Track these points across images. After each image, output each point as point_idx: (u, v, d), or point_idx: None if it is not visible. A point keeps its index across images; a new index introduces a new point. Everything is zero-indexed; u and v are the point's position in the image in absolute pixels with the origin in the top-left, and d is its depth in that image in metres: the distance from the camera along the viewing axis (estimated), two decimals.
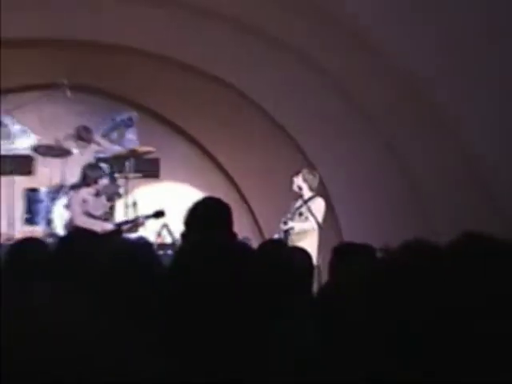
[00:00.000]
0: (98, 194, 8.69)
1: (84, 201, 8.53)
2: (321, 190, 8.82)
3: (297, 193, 8.35)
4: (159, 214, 8.66)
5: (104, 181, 8.78)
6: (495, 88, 7.41)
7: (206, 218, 3.66)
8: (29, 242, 3.64)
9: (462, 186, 8.07)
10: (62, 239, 3.53)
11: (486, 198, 7.81)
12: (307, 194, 8.35)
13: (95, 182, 8.61)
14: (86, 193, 8.59)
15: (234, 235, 3.68)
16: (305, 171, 8.46)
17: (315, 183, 8.45)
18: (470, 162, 7.92)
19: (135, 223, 8.66)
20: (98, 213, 8.62)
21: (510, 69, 7.18)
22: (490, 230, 6.25)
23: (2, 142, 10.26)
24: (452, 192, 8.26)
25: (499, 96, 7.42)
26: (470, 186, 7.97)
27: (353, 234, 9.01)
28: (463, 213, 7.97)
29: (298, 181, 8.38)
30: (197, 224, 3.66)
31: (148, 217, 8.73)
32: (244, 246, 2.43)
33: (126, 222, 8.71)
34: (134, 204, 9.09)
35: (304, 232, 8.08)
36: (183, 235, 3.79)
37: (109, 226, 8.32)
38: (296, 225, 8.14)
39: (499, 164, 7.65)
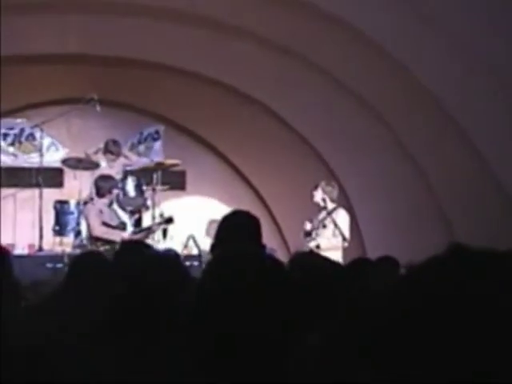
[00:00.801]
0: (110, 205, 8.77)
1: (101, 211, 8.60)
2: (343, 202, 8.85)
3: (319, 205, 8.35)
4: (169, 221, 8.74)
5: (116, 191, 8.86)
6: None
7: (236, 230, 3.69)
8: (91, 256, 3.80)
9: (478, 192, 8.21)
10: (117, 253, 3.65)
11: (501, 202, 7.94)
12: (329, 205, 8.33)
13: (109, 192, 8.70)
14: (102, 204, 8.68)
15: (263, 246, 3.71)
16: (323, 184, 8.45)
17: (335, 194, 8.44)
18: (484, 169, 8.04)
19: (149, 231, 8.70)
20: (114, 223, 8.69)
21: None
22: (505, 230, 6.32)
23: (32, 155, 10.52)
24: (470, 200, 8.39)
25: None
26: (485, 190, 8.11)
27: (375, 244, 9.01)
28: (479, 215, 8.14)
29: (319, 194, 8.38)
30: (227, 236, 3.69)
31: (159, 224, 8.81)
32: (273, 257, 2.52)
33: (141, 230, 8.75)
34: (161, 215, 9.07)
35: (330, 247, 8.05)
36: (213, 246, 3.82)
37: (125, 235, 8.34)
38: (321, 241, 8.15)
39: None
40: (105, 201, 8.72)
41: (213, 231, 4.24)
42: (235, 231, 3.68)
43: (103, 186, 8.71)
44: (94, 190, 8.91)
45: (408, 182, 9.12)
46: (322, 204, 8.33)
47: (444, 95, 7.98)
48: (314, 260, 3.92)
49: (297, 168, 10.25)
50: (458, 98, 7.91)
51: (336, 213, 8.32)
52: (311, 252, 5.96)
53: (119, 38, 9.37)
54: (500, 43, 7.31)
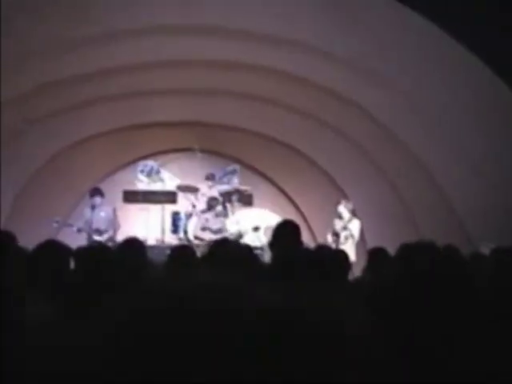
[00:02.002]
0: (216, 215, 8.71)
1: (206, 220, 8.58)
2: (354, 214, 8.67)
3: (340, 215, 8.28)
4: (256, 229, 9.05)
5: (219, 207, 8.84)
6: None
7: (286, 233, 3.69)
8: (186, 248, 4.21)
9: (433, 210, 8.16)
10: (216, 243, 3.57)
11: (452, 218, 7.87)
12: (347, 216, 8.27)
13: (213, 207, 8.74)
14: (209, 214, 8.68)
15: (302, 243, 3.72)
16: (343, 201, 8.45)
17: (350, 208, 8.37)
18: (440, 194, 7.97)
19: (239, 235, 8.59)
20: (215, 227, 8.55)
21: None
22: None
23: (158, 184, 10.67)
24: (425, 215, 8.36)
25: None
26: (439, 208, 8.03)
27: (373, 242, 8.66)
28: (435, 223, 8.01)
29: (341, 208, 8.29)
30: (280, 237, 3.66)
31: (253, 229, 8.99)
32: (309, 251, 3.15)
33: (232, 234, 8.54)
34: (238, 222, 9.11)
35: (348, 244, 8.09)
36: (271, 244, 3.74)
37: (214, 237, 7.82)
38: (342, 240, 8.10)
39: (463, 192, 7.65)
40: (211, 213, 8.70)
41: (268, 232, 4.42)
42: (285, 234, 3.67)
43: (211, 204, 8.73)
44: (205, 206, 8.80)
45: (391, 203, 9.06)
46: (341, 215, 8.27)
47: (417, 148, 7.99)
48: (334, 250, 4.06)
49: (323, 193, 10.16)
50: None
51: (352, 222, 8.26)
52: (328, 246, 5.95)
53: (214, 112, 9.57)
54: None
